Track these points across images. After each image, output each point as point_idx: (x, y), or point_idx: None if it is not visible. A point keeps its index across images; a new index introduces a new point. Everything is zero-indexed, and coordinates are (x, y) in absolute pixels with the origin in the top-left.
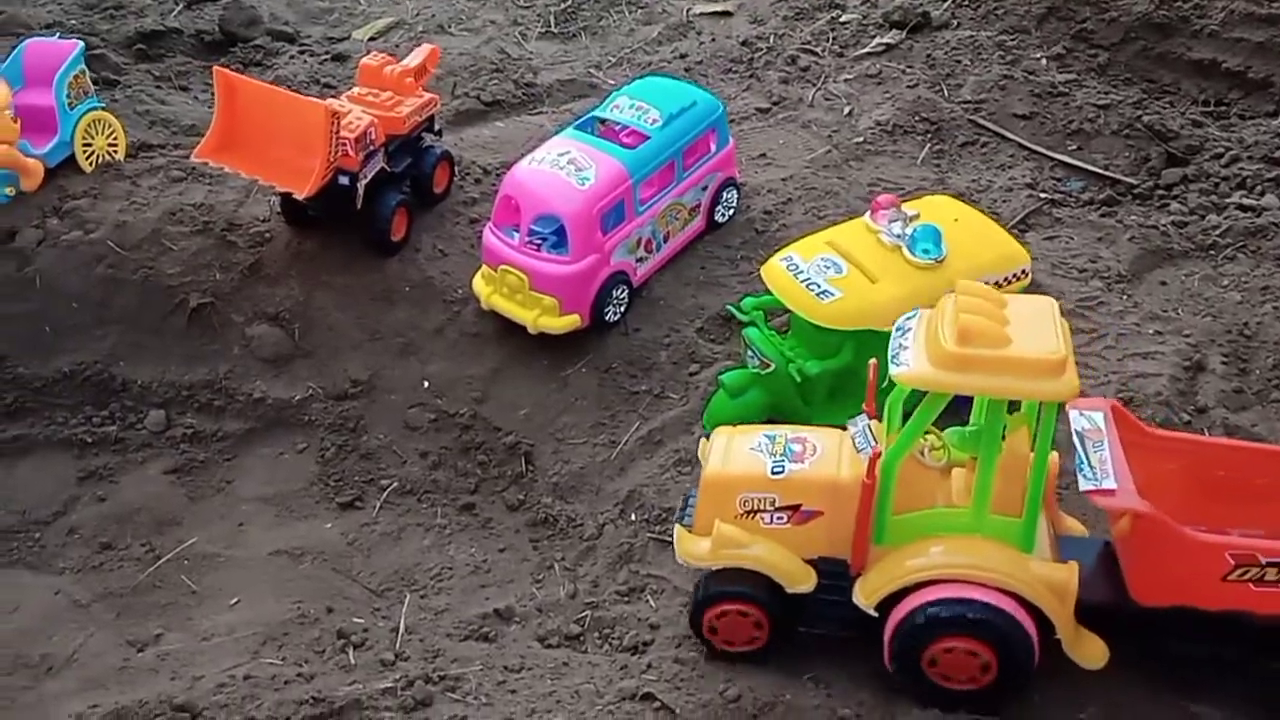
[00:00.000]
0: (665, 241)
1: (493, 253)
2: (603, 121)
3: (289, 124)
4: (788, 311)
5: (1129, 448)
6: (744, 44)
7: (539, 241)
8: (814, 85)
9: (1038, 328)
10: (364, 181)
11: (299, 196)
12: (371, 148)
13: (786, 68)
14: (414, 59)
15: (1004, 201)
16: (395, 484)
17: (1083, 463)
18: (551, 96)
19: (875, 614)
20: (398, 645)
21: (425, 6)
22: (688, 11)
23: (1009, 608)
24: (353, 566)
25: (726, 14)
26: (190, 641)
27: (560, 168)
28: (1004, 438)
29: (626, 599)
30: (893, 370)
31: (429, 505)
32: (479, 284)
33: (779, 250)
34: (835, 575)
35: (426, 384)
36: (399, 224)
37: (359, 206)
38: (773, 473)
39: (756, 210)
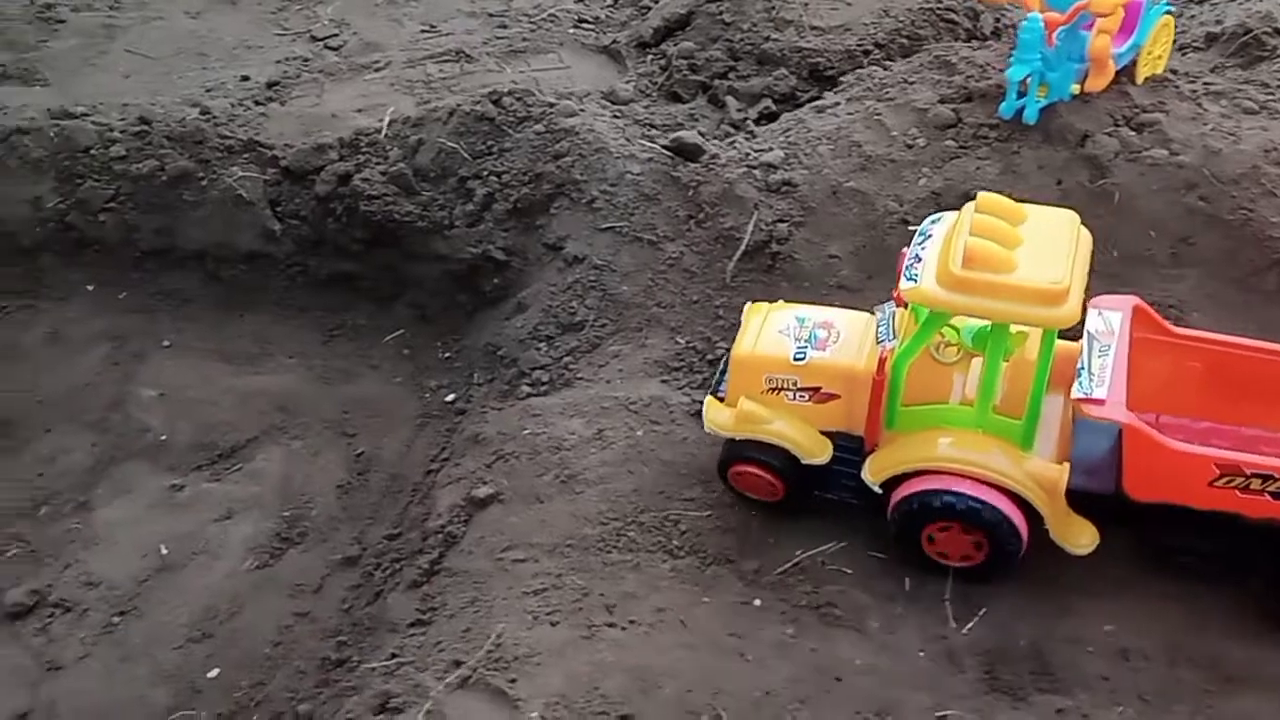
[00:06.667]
0: None
1: None
2: None
3: None
4: None
5: (1151, 346)
6: None
7: None
8: None
9: (1051, 249)
10: None
11: None
12: None
13: None
14: None
15: None
16: None
17: (1083, 367)
18: None
19: (880, 491)
20: None
21: None
22: None
23: (998, 501)
24: None
25: None
26: None
27: None
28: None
29: None
30: (902, 284)
31: None
32: None
33: None
34: (851, 450)
35: None
36: None
37: None
38: (795, 358)
39: None
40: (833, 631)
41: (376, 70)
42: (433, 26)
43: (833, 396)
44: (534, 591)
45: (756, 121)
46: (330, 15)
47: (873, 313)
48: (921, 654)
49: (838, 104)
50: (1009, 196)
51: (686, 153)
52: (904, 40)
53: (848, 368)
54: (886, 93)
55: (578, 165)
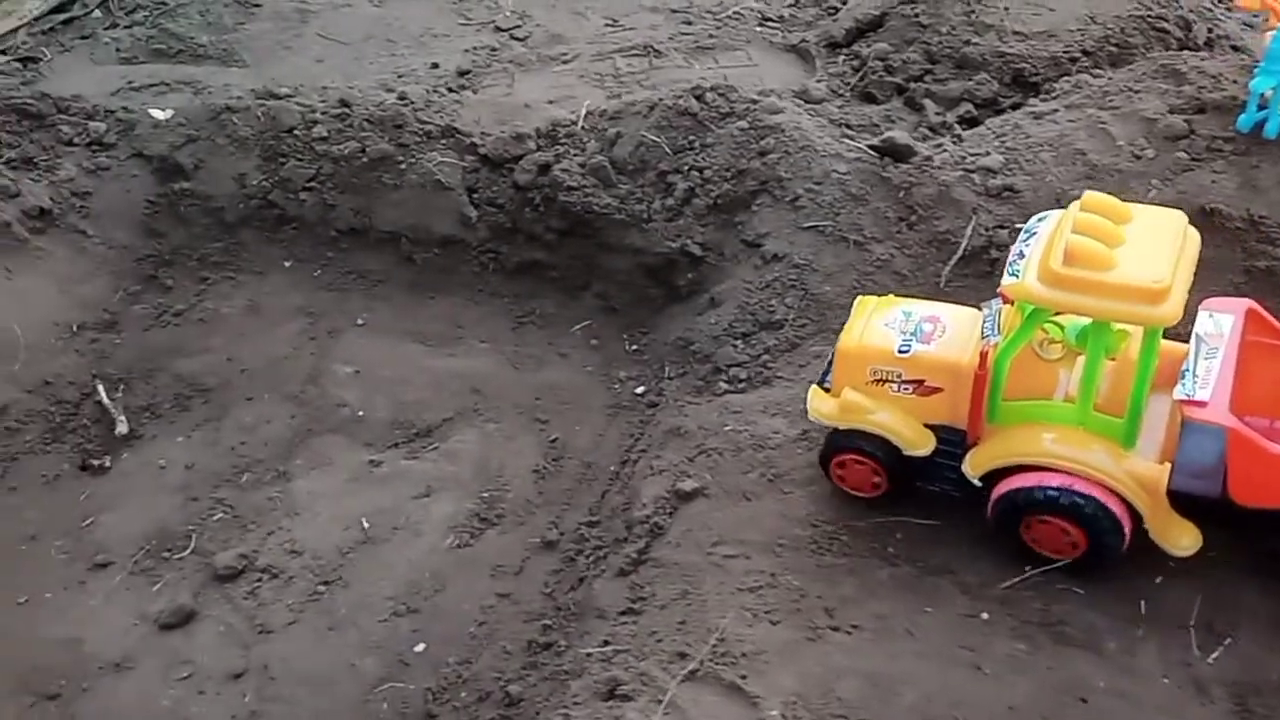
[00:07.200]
0: None
1: None
2: None
3: None
4: None
5: (1265, 351)
6: None
7: None
8: None
9: (1154, 248)
10: None
11: None
12: None
13: None
14: None
15: None
16: None
17: (1188, 369)
18: None
19: (979, 485)
20: None
21: None
22: None
23: (1100, 496)
24: None
25: None
26: None
27: None
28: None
29: None
30: (1005, 279)
31: None
32: None
33: None
34: (953, 442)
35: None
36: None
37: None
38: (899, 351)
39: None
40: (1068, 651)
41: (564, 62)
42: (615, 21)
43: (936, 390)
44: (749, 589)
45: (958, 125)
46: (511, 7)
47: (979, 309)
48: (1166, 680)
49: (1055, 110)
50: (1247, 212)
51: (897, 153)
52: (1113, 48)
53: (952, 362)
54: (1110, 101)
55: (782, 163)
